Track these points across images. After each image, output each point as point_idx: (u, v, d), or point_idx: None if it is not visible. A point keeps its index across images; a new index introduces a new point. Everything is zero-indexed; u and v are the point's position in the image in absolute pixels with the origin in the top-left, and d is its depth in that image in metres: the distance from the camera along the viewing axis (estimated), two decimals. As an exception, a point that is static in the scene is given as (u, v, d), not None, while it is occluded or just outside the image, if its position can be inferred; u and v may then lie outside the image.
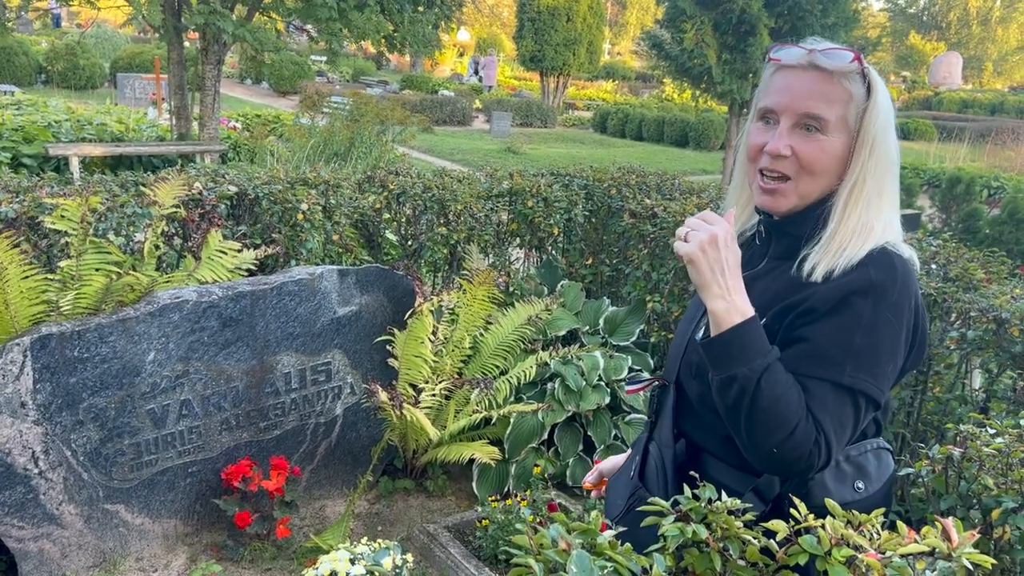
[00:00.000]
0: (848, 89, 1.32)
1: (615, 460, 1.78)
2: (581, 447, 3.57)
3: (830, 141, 1.32)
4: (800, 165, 1.33)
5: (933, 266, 3.30)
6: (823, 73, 1.32)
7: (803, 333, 1.29)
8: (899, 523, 1.10)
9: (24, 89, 17.00)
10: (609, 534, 1.11)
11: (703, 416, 1.45)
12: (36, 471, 2.62)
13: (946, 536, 1.07)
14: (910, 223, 7.75)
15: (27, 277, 2.73)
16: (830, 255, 1.31)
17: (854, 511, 1.13)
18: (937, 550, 1.06)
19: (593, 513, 1.16)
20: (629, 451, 1.76)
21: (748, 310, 1.27)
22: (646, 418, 1.64)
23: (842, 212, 1.33)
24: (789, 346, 1.29)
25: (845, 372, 1.26)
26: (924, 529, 1.09)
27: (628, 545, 1.11)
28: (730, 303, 1.26)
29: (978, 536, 1.10)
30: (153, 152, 8.66)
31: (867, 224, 1.32)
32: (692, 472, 1.34)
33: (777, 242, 1.43)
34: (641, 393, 1.67)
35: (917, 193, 10.07)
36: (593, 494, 1.82)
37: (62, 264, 2.91)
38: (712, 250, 1.27)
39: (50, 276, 2.87)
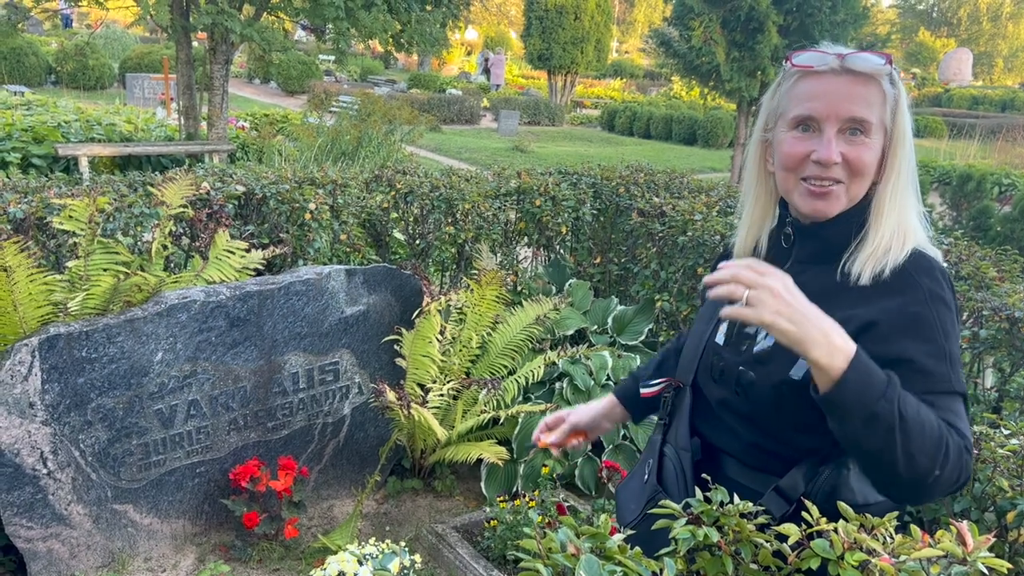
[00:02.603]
0: (884, 90, 1.31)
1: (586, 410, 1.71)
2: (590, 447, 3.56)
3: (873, 143, 1.31)
4: (850, 170, 1.31)
5: (945, 264, 3.27)
6: (859, 76, 1.30)
7: (894, 354, 1.24)
8: (912, 526, 1.09)
9: (34, 89, 17.09)
10: (618, 537, 1.09)
11: (724, 420, 1.43)
12: (45, 471, 2.62)
13: (961, 540, 1.06)
14: (921, 221, 7.69)
15: (35, 279, 2.73)
16: (876, 257, 1.30)
17: (868, 514, 1.12)
18: (951, 554, 1.04)
19: (602, 516, 1.15)
20: (601, 400, 1.70)
21: (849, 344, 1.16)
22: (657, 419, 1.61)
23: (882, 212, 1.32)
24: (886, 368, 1.23)
25: (952, 380, 1.24)
26: (938, 533, 1.07)
27: (638, 549, 1.09)
28: (832, 346, 1.15)
29: (993, 540, 1.08)
30: (162, 152, 8.68)
31: (903, 222, 1.33)
32: (705, 475, 1.32)
33: (802, 246, 1.40)
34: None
35: (927, 191, 10.00)
36: (555, 452, 1.70)
37: (70, 264, 2.91)
38: (785, 307, 1.15)
39: (58, 277, 2.87)
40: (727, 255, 1.62)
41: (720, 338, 1.46)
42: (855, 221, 1.34)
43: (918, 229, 1.34)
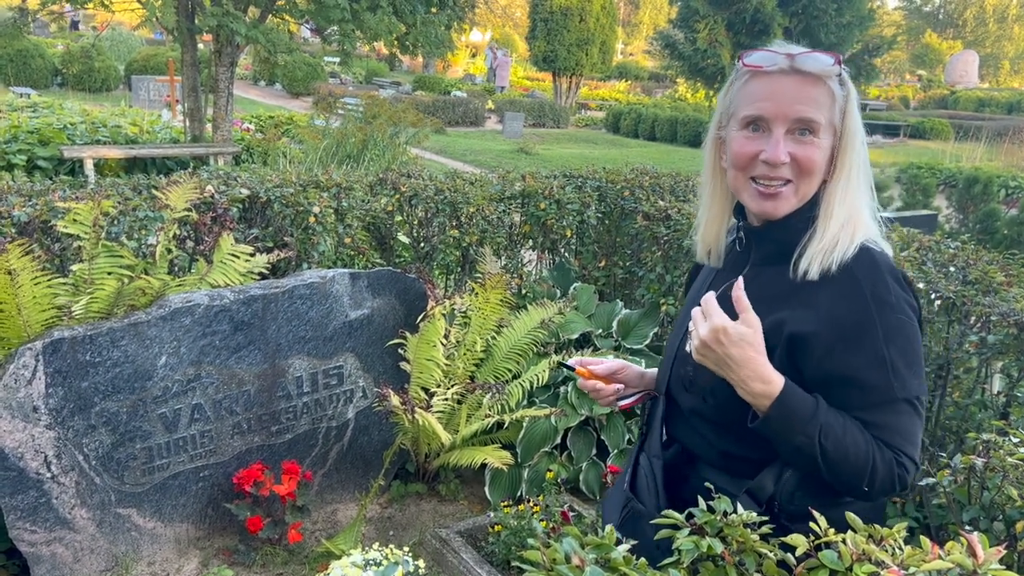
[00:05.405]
0: (832, 90, 1.34)
1: (622, 365, 1.64)
2: (594, 451, 3.55)
3: (822, 143, 1.34)
4: (799, 169, 1.34)
5: (952, 269, 3.25)
6: (808, 77, 1.32)
7: (834, 371, 1.30)
8: (923, 538, 1.07)
9: (40, 91, 17.14)
10: (623, 548, 1.08)
11: (695, 426, 1.47)
12: (48, 475, 2.62)
13: (971, 552, 1.04)
14: (927, 224, 7.67)
15: (39, 282, 2.73)
16: (825, 251, 1.33)
17: (876, 525, 1.11)
18: (961, 566, 1.03)
19: (608, 526, 1.14)
20: (625, 360, 1.69)
21: (773, 388, 1.27)
22: (638, 430, 1.65)
23: (832, 208, 1.35)
24: (825, 386, 1.30)
25: (894, 388, 1.27)
26: (948, 544, 1.06)
27: (643, 560, 1.08)
28: (752, 391, 1.28)
29: (1004, 552, 1.07)
30: (167, 154, 8.70)
31: (854, 216, 1.35)
32: (684, 472, 1.35)
33: (758, 248, 1.44)
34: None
35: (933, 193, 9.96)
36: (585, 384, 1.62)
37: (74, 268, 2.91)
38: (710, 353, 1.29)
39: (62, 280, 2.86)
40: (697, 268, 1.67)
41: (689, 347, 1.48)
42: (806, 219, 1.36)
43: (869, 224, 1.37)
